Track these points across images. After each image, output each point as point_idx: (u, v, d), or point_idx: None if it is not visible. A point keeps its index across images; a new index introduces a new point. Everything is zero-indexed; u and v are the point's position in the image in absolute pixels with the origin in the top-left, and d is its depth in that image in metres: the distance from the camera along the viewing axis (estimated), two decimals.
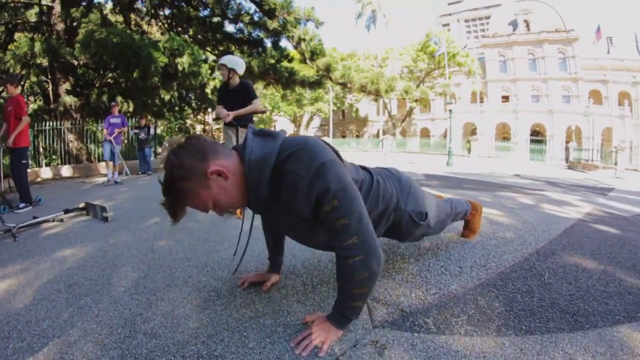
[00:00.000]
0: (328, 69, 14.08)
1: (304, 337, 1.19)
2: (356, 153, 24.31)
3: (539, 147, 22.47)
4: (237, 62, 3.68)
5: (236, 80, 3.67)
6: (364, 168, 1.41)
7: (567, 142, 23.51)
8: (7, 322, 1.51)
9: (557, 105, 29.94)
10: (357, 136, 39.48)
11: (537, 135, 28.57)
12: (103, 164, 9.60)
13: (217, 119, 3.61)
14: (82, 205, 3.72)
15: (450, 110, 16.73)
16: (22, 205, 4.39)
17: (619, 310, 1.43)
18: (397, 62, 33.54)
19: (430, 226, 1.59)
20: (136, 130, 9.22)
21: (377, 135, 34.38)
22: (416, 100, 31.10)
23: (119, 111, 7.80)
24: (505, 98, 33.47)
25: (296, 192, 1.06)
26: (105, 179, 6.89)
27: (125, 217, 3.42)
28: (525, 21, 34.50)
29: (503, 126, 31.64)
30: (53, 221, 3.33)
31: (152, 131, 9.83)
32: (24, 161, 4.65)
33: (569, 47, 31.76)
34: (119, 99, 9.91)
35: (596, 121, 27.42)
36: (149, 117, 11.29)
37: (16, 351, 1.30)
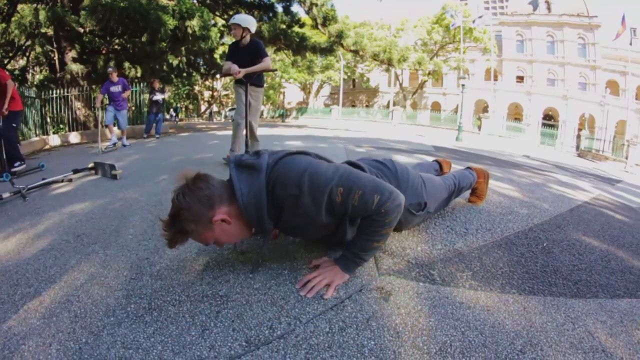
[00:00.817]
0: (340, 35, 13.67)
1: (309, 279, 1.21)
2: (365, 123, 23.97)
3: (550, 131, 22.01)
4: (250, 20, 3.63)
5: (247, 39, 3.61)
6: (357, 165, 1.40)
7: (580, 129, 23.05)
8: (15, 271, 1.54)
9: (573, 92, 29.03)
10: (367, 106, 38.72)
11: (550, 120, 27.87)
12: (113, 128, 9.63)
13: (225, 75, 3.55)
14: (91, 165, 3.74)
15: (462, 85, 16.38)
16: (17, 164, 4.45)
17: (619, 285, 1.44)
18: (412, 34, 32.49)
19: (430, 212, 1.62)
20: (156, 97, 9.04)
21: (387, 107, 33.67)
22: (429, 73, 30.37)
23: (123, 76, 7.61)
24: (520, 79, 32.49)
25: (300, 208, 1.13)
26: (108, 143, 6.69)
27: (134, 175, 3.44)
28: (547, 2, 32.89)
29: (516, 107, 30.92)
30: (62, 181, 3.34)
31: (166, 94, 9.75)
32: (14, 124, 4.72)
33: (590, 33, 30.39)
34: (127, 64, 9.71)
35: (611, 112, 26.70)
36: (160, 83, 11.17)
37: (24, 296, 1.33)
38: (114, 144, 6.65)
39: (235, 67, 3.36)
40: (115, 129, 7.08)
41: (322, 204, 1.11)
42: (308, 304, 1.15)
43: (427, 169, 2.18)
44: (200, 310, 1.16)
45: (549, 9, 32.63)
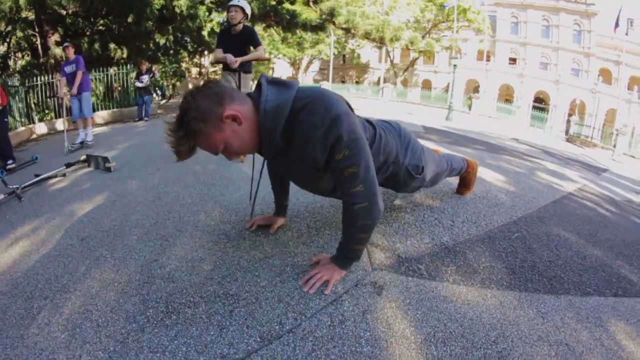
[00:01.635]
0: (332, 13, 13.44)
1: (311, 276, 1.32)
2: (355, 99, 23.68)
3: (540, 114, 22.25)
4: (247, 5, 3.53)
5: (241, 26, 3.55)
6: (368, 121, 1.45)
7: (570, 115, 23.29)
8: (27, 282, 1.54)
9: (565, 77, 29.10)
10: (357, 82, 38.33)
11: (540, 103, 28.01)
12: (100, 113, 9.22)
13: (217, 62, 3.51)
14: (83, 157, 3.69)
15: (454, 65, 16.34)
16: (9, 162, 4.42)
17: (590, 283, 1.57)
18: (405, 11, 31.89)
19: (425, 179, 1.67)
20: (141, 82, 8.82)
21: (378, 83, 33.43)
22: (421, 52, 30.10)
23: (109, 58, 7.07)
24: (513, 60, 32.40)
25: (310, 141, 1.10)
26: (76, 140, 5.55)
27: (127, 165, 3.41)
28: None
29: (507, 88, 30.98)
30: (56, 177, 3.30)
31: (157, 75, 9.56)
32: (5, 120, 4.72)
33: (586, 20, 30.20)
34: (112, 45, 9.41)
35: (602, 100, 26.90)
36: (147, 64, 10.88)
37: (41, 309, 1.34)
38: (82, 142, 5.50)
39: (231, 57, 3.32)
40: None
41: (327, 146, 1.10)
42: (311, 299, 1.25)
43: None
44: (215, 310, 1.24)
45: None
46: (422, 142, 1.77)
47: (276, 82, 1.17)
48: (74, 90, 5.55)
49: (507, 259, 1.65)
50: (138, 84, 8.87)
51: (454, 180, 2.36)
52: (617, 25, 24.17)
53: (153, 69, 9.39)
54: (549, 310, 1.33)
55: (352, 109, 1.22)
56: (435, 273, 1.46)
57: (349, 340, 1.10)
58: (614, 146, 14.69)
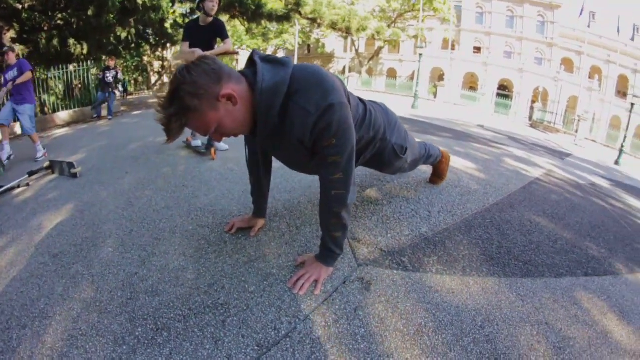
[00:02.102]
0: (298, 3, 13.36)
1: (299, 277, 1.31)
2: None
3: (504, 101, 23.22)
4: None
5: (211, 18, 3.44)
6: (361, 100, 1.46)
7: (533, 102, 24.47)
8: (1, 310, 1.40)
9: (528, 65, 30.33)
10: None
11: (504, 90, 29.29)
12: (61, 114, 8.67)
13: (181, 58, 3.38)
14: (46, 164, 3.46)
15: (420, 55, 16.64)
16: None
17: (562, 265, 1.68)
18: (370, 0, 32.08)
19: (407, 162, 1.71)
20: (107, 75, 8.45)
21: (343, 72, 33.54)
22: (387, 41, 30.44)
23: (69, 54, 6.59)
24: (477, 49, 33.40)
25: (302, 126, 1.09)
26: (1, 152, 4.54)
27: (94, 170, 3.23)
28: None
29: (471, 76, 31.93)
30: (19, 187, 3.08)
31: (119, 75, 9.14)
32: None
33: (550, 12, 31.60)
34: (71, 41, 8.85)
35: (564, 88, 28.27)
36: (104, 59, 10.36)
37: (22, 340, 1.23)
38: (9, 157, 4.53)
39: (199, 52, 3.22)
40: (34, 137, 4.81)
41: (315, 133, 1.10)
42: (302, 301, 1.25)
43: None
44: (206, 322, 1.20)
45: None
46: None
47: (271, 60, 1.13)
48: (22, 97, 4.97)
49: (484, 246, 1.72)
50: (107, 79, 8.52)
51: (427, 170, 2.41)
52: (581, 13, 25.47)
53: (115, 67, 8.94)
54: (527, 293, 1.41)
55: (345, 90, 1.21)
56: (419, 265, 1.49)
57: (345, 339, 1.11)
58: (576, 131, 15.61)
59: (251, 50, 1.16)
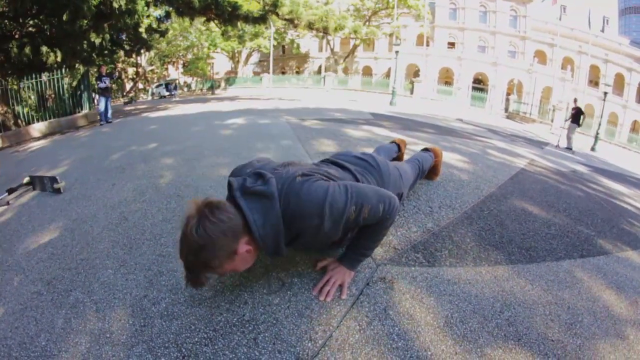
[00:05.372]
0: (275, 4, 13.26)
1: (323, 283, 1.30)
2: (297, 90, 23.67)
3: (480, 94, 23.95)
4: None
5: None
6: (344, 168, 1.43)
7: (509, 94, 25.40)
8: None
9: (502, 59, 31.35)
10: (298, 72, 38.44)
11: (480, 84, 30.12)
12: (36, 125, 8.46)
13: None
14: (26, 180, 3.21)
15: (396, 52, 16.94)
16: None
17: (560, 249, 1.79)
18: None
19: (404, 198, 1.78)
20: (104, 82, 8.66)
21: (319, 72, 33.85)
22: (362, 40, 30.72)
23: (41, 62, 6.42)
24: (452, 45, 34.20)
25: (320, 233, 1.15)
26: None
27: (78, 183, 3.02)
28: None
29: (447, 71, 32.64)
30: None
31: (114, 76, 9.22)
32: None
33: (522, 7, 32.82)
34: (44, 48, 8.55)
35: (538, 79, 29.48)
36: (79, 66, 10.15)
37: None
38: None
39: None
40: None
41: (340, 225, 1.15)
42: (331, 307, 1.24)
43: (388, 152, 2.32)
44: (236, 342, 1.12)
45: None
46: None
47: (253, 194, 1.12)
48: None
49: (487, 236, 1.80)
50: (101, 85, 8.66)
51: None
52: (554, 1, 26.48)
53: (109, 73, 9.01)
54: (534, 277, 1.51)
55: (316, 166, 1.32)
56: (433, 259, 1.55)
57: (382, 339, 1.13)
58: (552, 120, 16.33)
59: (228, 182, 1.20)
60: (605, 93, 14.90)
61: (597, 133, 13.19)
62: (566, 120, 10.85)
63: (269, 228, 1.09)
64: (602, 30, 33.44)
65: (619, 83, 31.36)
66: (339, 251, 1.43)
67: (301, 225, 1.12)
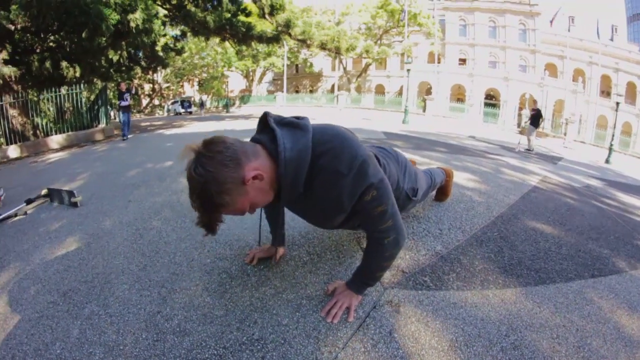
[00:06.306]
0: (288, 24, 13.69)
1: (331, 306, 1.33)
2: (311, 109, 24.01)
3: (492, 110, 23.84)
4: None
5: None
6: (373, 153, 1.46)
7: (521, 108, 25.19)
8: (12, 356, 1.27)
9: (513, 73, 31.29)
10: (311, 91, 39.00)
11: (492, 100, 30.08)
12: (54, 137, 8.74)
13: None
14: (44, 192, 3.34)
15: (408, 70, 17.07)
16: None
17: (570, 269, 1.77)
18: (356, 17, 32.88)
19: (418, 201, 1.75)
20: (125, 100, 9.10)
21: (332, 91, 34.25)
22: (374, 59, 31.13)
23: (61, 77, 6.75)
24: (463, 61, 34.38)
25: (337, 188, 1.08)
26: None
27: (94, 198, 3.12)
28: None
29: (458, 87, 32.69)
30: (16, 216, 2.94)
31: (132, 91, 9.65)
32: None
33: (531, 20, 32.93)
34: (64, 63, 8.95)
35: (550, 92, 29.28)
36: (97, 81, 10.53)
37: None
38: None
39: None
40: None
41: (354, 199, 1.10)
42: (337, 329, 1.27)
43: None
44: (245, 359, 1.16)
45: None
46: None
47: (287, 124, 1.10)
48: None
49: (497, 258, 1.80)
50: (123, 103, 9.03)
51: None
52: (552, 21, 26.47)
53: (127, 89, 9.34)
54: (542, 299, 1.50)
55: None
56: (440, 283, 1.55)
57: None
58: (565, 134, 16.11)
59: (263, 113, 1.15)
60: (618, 103, 14.56)
61: (611, 145, 12.83)
62: (525, 122, 10.68)
63: (296, 153, 1.03)
64: (612, 39, 33.13)
65: (631, 92, 30.86)
66: (347, 275, 1.44)
67: (328, 165, 1.05)
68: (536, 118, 10.47)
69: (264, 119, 1.13)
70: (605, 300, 1.55)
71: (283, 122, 1.11)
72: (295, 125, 1.09)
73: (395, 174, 1.49)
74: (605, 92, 31.30)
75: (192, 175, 0.95)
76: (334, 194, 1.09)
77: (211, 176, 0.94)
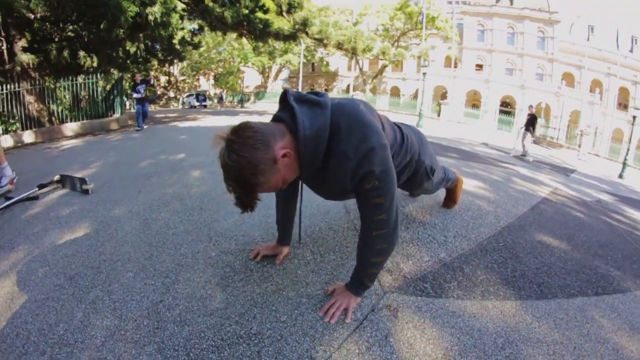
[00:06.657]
0: (305, 23, 13.68)
1: (329, 306, 1.35)
2: None
3: (507, 118, 23.47)
4: None
5: None
6: (394, 123, 1.49)
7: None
8: (16, 334, 1.30)
9: (530, 81, 30.71)
10: (326, 90, 38.85)
11: (507, 107, 29.62)
12: (69, 124, 8.88)
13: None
14: (57, 178, 3.39)
15: (424, 74, 16.94)
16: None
17: (574, 285, 1.75)
18: (374, 18, 32.74)
19: (434, 183, 1.78)
20: (138, 92, 9.14)
21: (347, 91, 34.26)
22: (390, 61, 30.97)
23: (78, 65, 6.87)
24: (479, 67, 33.91)
25: (342, 169, 1.12)
26: None
27: (106, 187, 3.16)
28: None
29: (474, 93, 32.28)
30: (27, 200, 2.98)
31: (150, 81, 9.76)
32: None
33: (550, 27, 32.27)
34: (82, 53, 9.10)
35: (566, 103, 28.67)
36: (114, 71, 10.65)
37: None
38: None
39: None
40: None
41: (357, 177, 1.13)
42: (334, 329, 1.28)
43: None
44: (241, 352, 1.19)
45: (511, 1, 34.05)
46: None
47: (306, 101, 1.14)
48: None
49: (500, 269, 1.79)
50: (136, 95, 9.10)
51: (440, 194, 2.47)
52: (570, 30, 25.88)
53: (143, 80, 9.44)
54: (542, 314, 1.48)
55: (381, 119, 1.28)
56: (440, 290, 1.56)
57: None
58: (579, 146, 15.76)
59: (283, 90, 1.19)
60: (634, 117, 14.19)
61: (625, 159, 12.54)
62: (521, 128, 10.48)
63: (314, 131, 1.08)
64: (631, 50, 32.17)
65: None
66: (349, 277, 1.45)
67: (335, 144, 1.10)
68: (531, 122, 10.26)
69: (284, 97, 1.17)
70: (606, 320, 1.53)
71: (303, 99, 1.15)
72: (314, 102, 1.13)
73: (415, 145, 1.54)
74: (623, 105, 30.51)
75: (226, 162, 1.02)
76: (340, 174, 1.14)
77: (245, 160, 1.00)
